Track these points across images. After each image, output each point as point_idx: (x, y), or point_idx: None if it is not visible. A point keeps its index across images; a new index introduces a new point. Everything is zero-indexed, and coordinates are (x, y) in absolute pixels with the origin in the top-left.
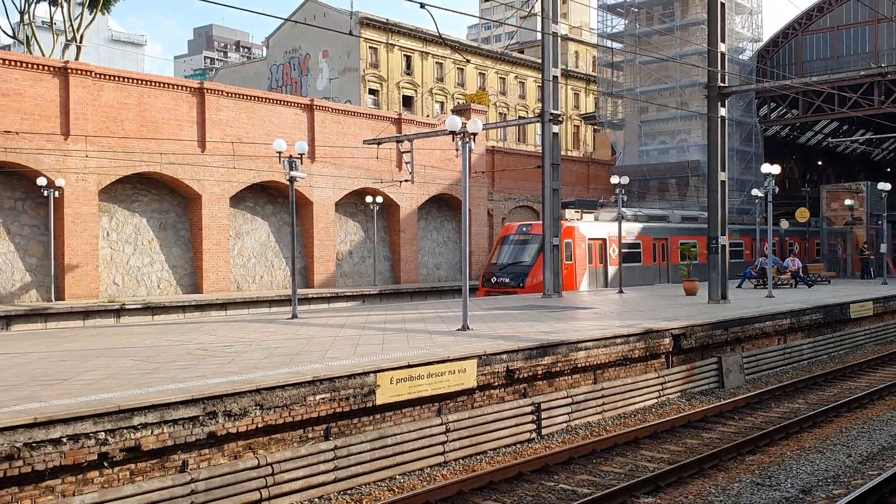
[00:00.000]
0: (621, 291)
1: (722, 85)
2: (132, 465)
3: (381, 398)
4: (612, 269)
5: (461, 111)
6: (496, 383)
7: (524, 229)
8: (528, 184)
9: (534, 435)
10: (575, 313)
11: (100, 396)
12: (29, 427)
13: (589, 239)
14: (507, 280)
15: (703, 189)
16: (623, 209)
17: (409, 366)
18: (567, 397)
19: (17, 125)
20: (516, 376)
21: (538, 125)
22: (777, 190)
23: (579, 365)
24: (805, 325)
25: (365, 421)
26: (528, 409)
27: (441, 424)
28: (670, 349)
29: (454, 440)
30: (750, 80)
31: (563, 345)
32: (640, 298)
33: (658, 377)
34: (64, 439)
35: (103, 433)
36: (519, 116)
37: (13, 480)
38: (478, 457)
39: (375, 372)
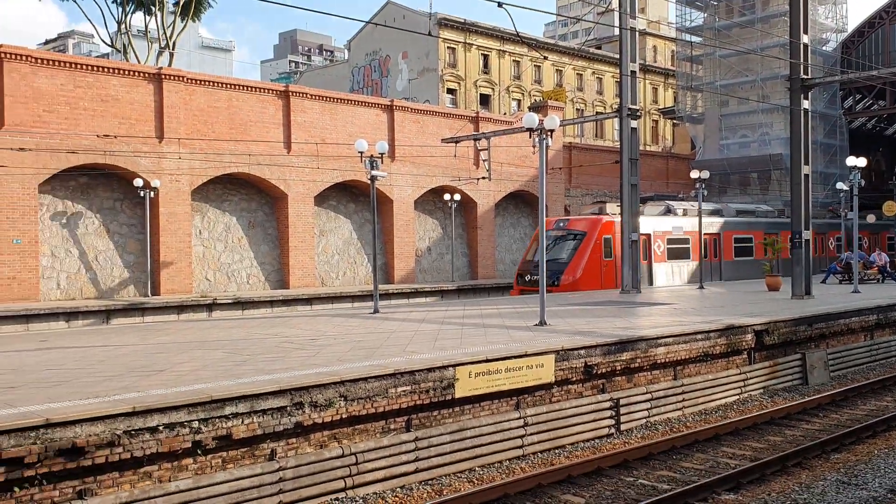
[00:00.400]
0: (701, 287)
1: (805, 77)
2: (224, 453)
3: (460, 391)
4: (673, 265)
5: (538, 108)
6: (574, 378)
7: (561, 224)
8: (606, 179)
9: (612, 430)
10: (653, 309)
11: (193, 387)
12: (128, 416)
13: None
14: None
15: (786, 183)
16: (672, 203)
17: (488, 360)
18: (646, 393)
19: (115, 129)
20: (594, 372)
21: (616, 120)
22: (863, 183)
23: (659, 361)
24: (893, 321)
25: (444, 413)
26: (607, 404)
27: (519, 418)
28: (752, 345)
29: (532, 434)
30: (834, 72)
31: (643, 340)
32: (719, 294)
33: (740, 374)
34: (160, 427)
35: (197, 422)
36: (596, 112)
37: (114, 466)
38: (556, 451)
39: (454, 366)
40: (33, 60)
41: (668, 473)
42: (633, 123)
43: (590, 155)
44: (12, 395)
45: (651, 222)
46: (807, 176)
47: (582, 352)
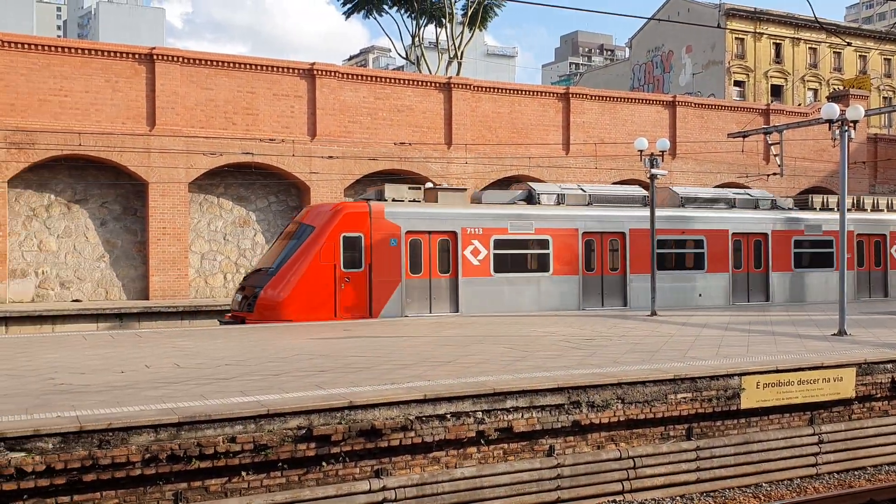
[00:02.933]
0: None
1: None
2: (505, 445)
3: (746, 402)
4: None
5: (838, 97)
6: (879, 395)
7: (296, 217)
8: None
9: None
10: None
11: (477, 379)
12: (419, 403)
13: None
14: (239, 299)
15: None
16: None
17: (778, 370)
18: None
19: (409, 136)
20: None
21: None
22: None
23: None
24: None
25: (728, 424)
26: None
27: (813, 434)
28: None
29: (827, 452)
30: None
31: None
32: None
33: None
34: (448, 416)
35: (480, 413)
36: None
37: (407, 449)
38: (855, 472)
39: (740, 375)
40: (340, 76)
41: None
42: None
43: None
44: (321, 379)
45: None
46: None
47: (889, 366)
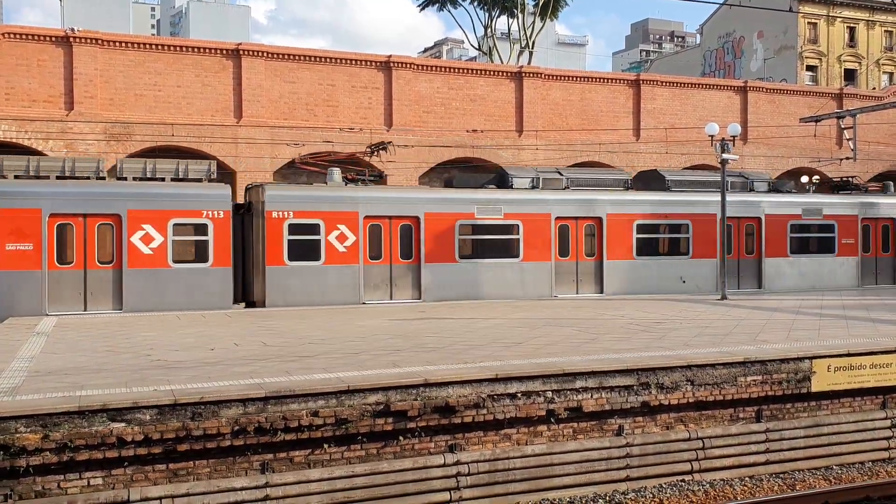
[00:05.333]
0: None
1: None
2: (574, 424)
3: (816, 385)
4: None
5: None
6: None
7: None
8: None
9: None
10: None
11: (547, 360)
12: (491, 381)
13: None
14: None
15: None
16: None
17: (850, 354)
18: None
19: (481, 125)
20: None
21: None
22: None
23: None
24: None
25: (798, 407)
26: None
27: (886, 419)
28: None
29: None
30: None
31: None
32: None
33: None
34: (518, 395)
35: (550, 392)
36: None
37: (479, 425)
38: None
39: (811, 358)
40: (415, 67)
41: None
42: None
43: None
44: (397, 357)
45: None
46: None
47: None
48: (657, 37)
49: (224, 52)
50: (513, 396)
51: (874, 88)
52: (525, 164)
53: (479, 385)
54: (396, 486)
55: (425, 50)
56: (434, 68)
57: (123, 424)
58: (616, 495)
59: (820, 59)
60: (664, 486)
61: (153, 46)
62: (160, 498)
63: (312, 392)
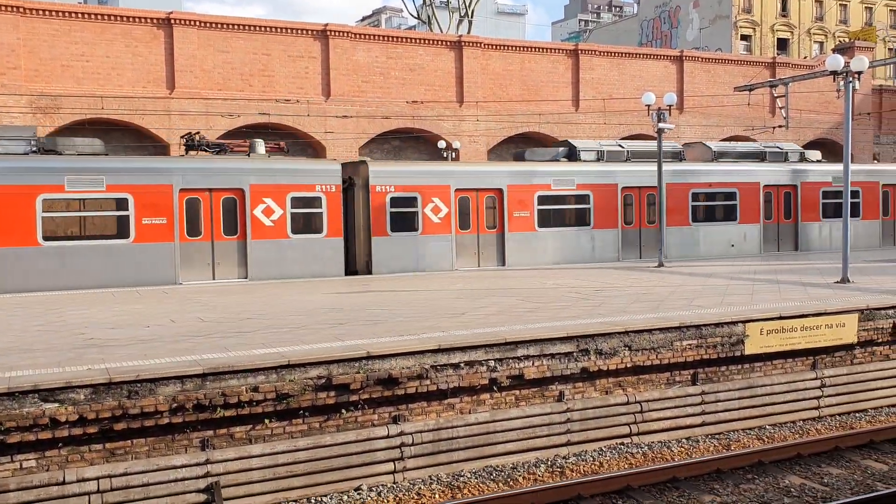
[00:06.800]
0: None
1: None
2: (516, 392)
3: (750, 348)
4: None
5: (843, 50)
6: (880, 339)
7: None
8: None
9: None
10: None
11: (489, 329)
12: (434, 352)
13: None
14: None
15: None
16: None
17: (781, 317)
18: None
19: (421, 95)
20: None
21: None
22: None
23: None
24: None
25: (733, 369)
26: None
27: (815, 379)
28: None
29: (830, 395)
30: None
31: None
32: None
33: None
34: (462, 364)
35: (493, 361)
36: None
37: (423, 396)
38: (856, 414)
39: (744, 322)
40: (353, 36)
41: None
42: None
43: None
44: (341, 331)
45: None
46: None
47: (891, 311)
48: (595, 6)
49: (155, 20)
50: (456, 366)
51: (806, 57)
52: (467, 135)
53: (422, 356)
54: (340, 458)
55: (363, 19)
56: (372, 37)
57: (56, 405)
58: (557, 460)
59: (754, 29)
60: (604, 449)
61: (79, 15)
62: (97, 478)
63: (252, 367)
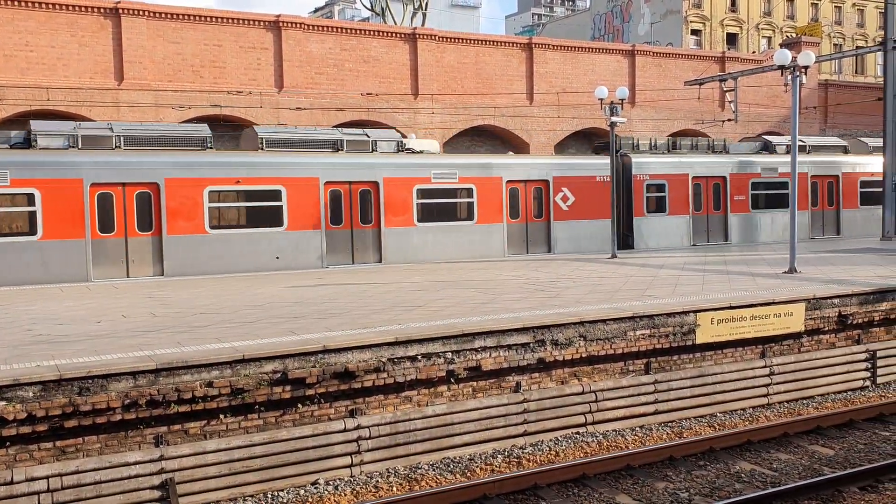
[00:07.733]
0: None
1: None
2: (474, 383)
3: (701, 337)
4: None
5: (791, 45)
6: (826, 328)
7: None
8: (866, 118)
9: (867, 383)
10: None
11: (447, 321)
12: (391, 345)
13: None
14: None
15: None
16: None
17: (732, 307)
18: None
19: (375, 87)
20: (849, 322)
21: (879, 55)
22: None
23: None
24: None
25: (685, 358)
26: (862, 356)
27: (765, 367)
28: None
29: (778, 383)
30: None
31: None
32: None
33: None
34: (419, 357)
35: (450, 353)
36: (857, 47)
37: (380, 389)
38: (804, 401)
39: (696, 311)
40: (306, 27)
41: None
42: None
43: (848, 93)
44: (296, 325)
45: None
46: None
47: (836, 301)
48: (549, 0)
49: (102, 10)
50: (413, 359)
51: (754, 52)
52: (422, 128)
53: (379, 349)
54: (296, 453)
55: (316, 10)
56: (326, 28)
57: (3, 403)
58: (514, 450)
59: (704, 24)
60: (560, 438)
61: (23, 3)
62: (47, 477)
63: (206, 363)
